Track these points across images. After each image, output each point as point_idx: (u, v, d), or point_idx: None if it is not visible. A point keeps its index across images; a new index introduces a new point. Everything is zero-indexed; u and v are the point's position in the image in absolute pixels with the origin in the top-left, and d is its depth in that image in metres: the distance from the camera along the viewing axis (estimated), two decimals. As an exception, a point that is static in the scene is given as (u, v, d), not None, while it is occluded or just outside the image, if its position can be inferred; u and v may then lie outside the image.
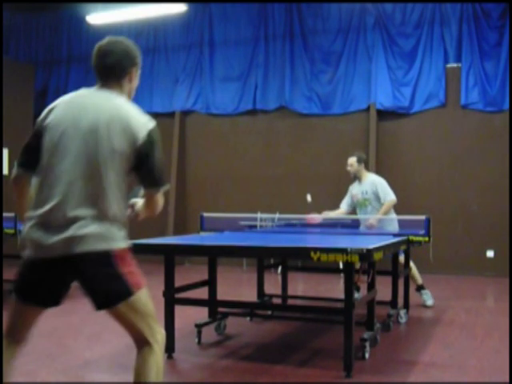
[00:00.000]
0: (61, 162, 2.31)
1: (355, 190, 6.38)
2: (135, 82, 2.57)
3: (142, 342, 2.46)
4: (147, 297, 2.46)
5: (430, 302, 6.20)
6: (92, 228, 2.29)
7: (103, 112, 2.33)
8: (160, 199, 2.48)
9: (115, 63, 2.44)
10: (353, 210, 6.46)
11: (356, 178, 6.39)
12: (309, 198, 6.44)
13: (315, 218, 6.20)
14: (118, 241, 2.39)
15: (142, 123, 2.41)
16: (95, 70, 2.46)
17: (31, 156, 2.41)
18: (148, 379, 2.39)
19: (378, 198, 6.18)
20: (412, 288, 5.89)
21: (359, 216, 6.32)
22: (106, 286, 2.36)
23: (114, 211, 2.35)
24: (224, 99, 9.69)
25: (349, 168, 6.39)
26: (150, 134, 2.39)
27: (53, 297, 2.54)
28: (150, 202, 2.50)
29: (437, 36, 8.68)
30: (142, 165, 2.36)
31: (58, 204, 2.29)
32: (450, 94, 8.67)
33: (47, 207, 2.32)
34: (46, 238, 2.30)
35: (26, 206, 2.54)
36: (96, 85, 2.47)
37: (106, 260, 2.33)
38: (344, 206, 6.52)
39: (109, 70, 2.44)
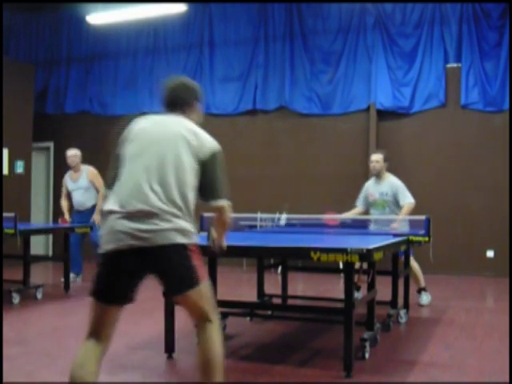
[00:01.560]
0: (145, 166, 2.71)
1: (372, 188, 6.25)
2: (198, 112, 3.03)
3: (205, 321, 2.83)
4: (209, 286, 2.85)
5: (425, 301, 6.21)
6: (174, 224, 2.66)
7: (181, 128, 2.81)
8: (228, 211, 2.88)
9: (182, 97, 2.95)
10: (367, 209, 6.36)
11: (376, 176, 6.26)
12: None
13: (334, 218, 6.09)
14: (192, 236, 2.76)
15: (210, 142, 2.84)
16: (165, 101, 2.97)
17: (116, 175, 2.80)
18: (215, 348, 2.81)
19: (396, 200, 6.09)
20: (412, 288, 5.88)
21: (373, 216, 6.20)
22: (181, 276, 2.72)
23: (190, 210, 2.74)
24: (224, 99, 9.69)
25: (374, 164, 6.21)
26: (214, 153, 2.82)
27: (129, 292, 2.79)
28: (220, 217, 2.90)
29: (437, 36, 8.68)
30: (206, 177, 2.79)
31: (145, 201, 2.65)
32: (450, 93, 8.67)
33: (135, 204, 2.66)
34: (131, 230, 2.63)
35: None
36: (166, 113, 2.96)
37: (183, 252, 2.69)
38: (361, 204, 6.39)
39: (178, 102, 2.93)
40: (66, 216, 7.66)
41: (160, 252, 2.65)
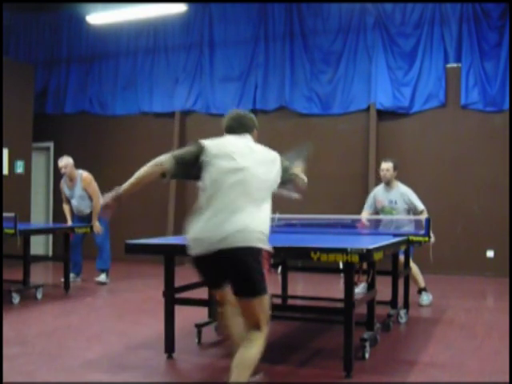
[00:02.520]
0: (232, 180, 3.07)
1: (381, 196, 6.31)
2: (255, 138, 3.41)
3: (255, 328, 3.08)
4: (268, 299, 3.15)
5: (425, 302, 6.22)
6: (252, 230, 3.02)
7: (257, 150, 3.26)
8: (303, 178, 3.52)
9: (246, 124, 3.36)
10: (376, 214, 6.39)
11: (386, 183, 6.31)
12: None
13: (365, 224, 6.05)
14: (266, 244, 3.13)
15: (275, 156, 3.32)
16: (230, 127, 3.34)
17: (184, 165, 3.15)
18: (255, 353, 3.03)
19: (407, 209, 6.18)
20: (412, 288, 5.88)
21: (383, 216, 6.25)
22: (253, 281, 3.03)
23: (267, 220, 3.16)
24: (224, 99, 9.69)
25: (385, 173, 6.27)
26: (281, 159, 3.33)
27: (219, 281, 3.21)
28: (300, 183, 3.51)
29: (437, 36, 8.68)
30: (285, 174, 3.34)
31: (229, 212, 3.01)
32: (450, 93, 8.67)
33: (220, 215, 3.03)
34: (215, 236, 2.99)
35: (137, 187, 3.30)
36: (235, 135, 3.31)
37: (257, 257, 3.03)
38: (368, 208, 6.43)
39: (244, 126, 3.34)
40: (69, 222, 7.62)
41: (235, 255, 3.02)
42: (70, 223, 7.59)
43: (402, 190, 6.25)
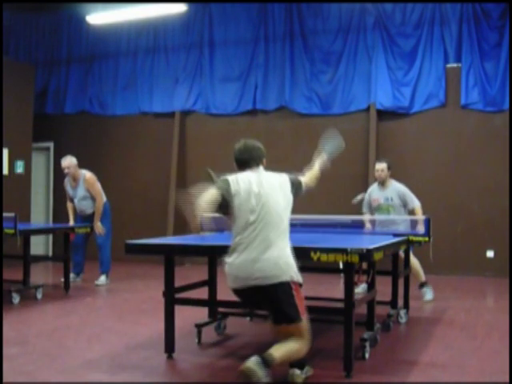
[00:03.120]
0: (255, 216, 3.36)
1: (376, 194, 6.53)
2: (265, 166, 3.68)
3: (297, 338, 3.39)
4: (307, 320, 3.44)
5: (429, 297, 6.36)
6: (280, 268, 3.33)
7: (271, 180, 3.53)
8: (314, 181, 4.12)
9: (255, 156, 3.62)
10: (373, 214, 6.60)
11: (379, 183, 6.56)
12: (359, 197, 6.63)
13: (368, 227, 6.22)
14: (296, 275, 3.40)
15: (285, 178, 3.62)
16: (243, 161, 3.60)
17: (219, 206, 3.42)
18: (300, 343, 3.36)
19: (403, 205, 6.40)
20: (412, 288, 5.88)
21: (379, 217, 6.43)
22: (285, 311, 3.34)
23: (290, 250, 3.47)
24: (224, 99, 9.68)
25: (380, 173, 6.50)
26: (290, 179, 3.63)
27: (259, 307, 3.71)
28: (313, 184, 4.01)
29: (437, 36, 8.68)
30: (297, 191, 3.70)
31: (259, 250, 3.32)
32: (449, 93, 8.67)
33: (251, 252, 3.34)
34: (247, 275, 3.36)
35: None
36: (245, 169, 3.58)
37: (287, 290, 3.34)
38: (367, 210, 6.71)
39: (252, 160, 3.59)
40: (71, 221, 7.59)
41: (269, 289, 3.36)
42: (72, 222, 7.58)
43: (396, 187, 6.48)
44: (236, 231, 3.42)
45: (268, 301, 3.35)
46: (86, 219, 7.50)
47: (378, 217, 6.47)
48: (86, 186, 7.40)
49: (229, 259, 3.43)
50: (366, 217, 6.47)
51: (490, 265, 8.41)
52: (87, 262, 7.91)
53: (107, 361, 4.09)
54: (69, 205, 7.65)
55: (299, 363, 3.55)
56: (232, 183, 3.45)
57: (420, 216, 6.19)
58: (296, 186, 3.64)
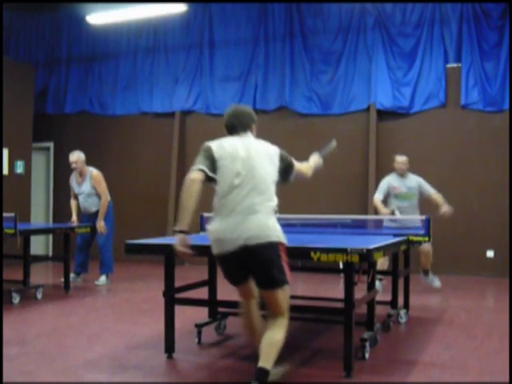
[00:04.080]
0: (240, 179, 3.28)
1: (397, 183, 7.10)
2: (254, 133, 3.61)
3: (279, 315, 3.31)
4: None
5: (437, 283, 7.14)
6: (269, 227, 3.25)
7: (259, 145, 3.48)
8: (309, 171, 4.10)
9: (244, 121, 3.54)
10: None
11: (400, 174, 7.16)
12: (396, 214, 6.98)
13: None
14: (282, 238, 3.31)
15: (275, 149, 3.54)
16: (231, 125, 3.52)
17: (208, 166, 3.31)
18: (279, 336, 3.27)
19: (419, 192, 7.15)
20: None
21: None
22: (274, 273, 3.24)
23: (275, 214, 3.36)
24: (224, 99, 9.68)
25: (401, 165, 7.14)
26: (280, 152, 3.55)
27: (246, 276, 3.40)
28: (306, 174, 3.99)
29: (437, 36, 8.68)
30: (287, 169, 3.57)
31: (245, 212, 3.23)
32: (450, 94, 8.67)
33: (237, 215, 3.24)
34: (236, 236, 3.22)
35: (193, 208, 3.23)
36: (233, 135, 3.52)
37: (276, 251, 3.24)
38: (381, 196, 7.10)
39: (240, 125, 3.52)
40: (74, 218, 7.57)
41: (254, 250, 3.24)
42: (74, 218, 7.55)
43: (415, 178, 7.21)
44: (219, 195, 3.30)
45: (256, 263, 3.23)
46: (90, 218, 7.47)
47: (376, 217, 6.84)
48: (93, 183, 7.39)
49: (212, 225, 3.33)
50: (379, 197, 7.03)
51: (490, 265, 8.41)
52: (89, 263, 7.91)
53: (107, 361, 4.08)
54: (72, 202, 7.61)
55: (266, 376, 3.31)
56: (215, 148, 3.37)
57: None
58: (286, 162, 3.55)
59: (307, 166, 4.06)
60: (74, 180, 7.56)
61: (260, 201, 3.26)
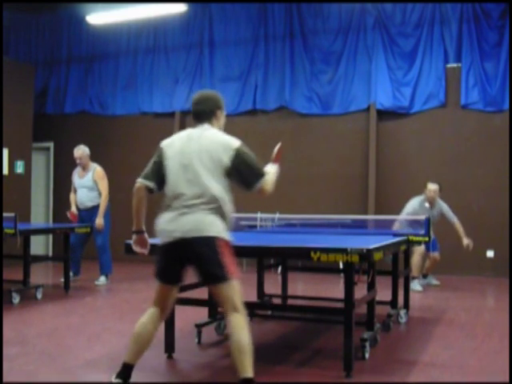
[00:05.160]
0: (182, 174, 3.25)
1: (422, 211, 6.99)
2: (222, 119, 3.52)
3: (233, 310, 3.19)
4: (239, 282, 3.23)
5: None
6: (206, 223, 3.17)
7: (207, 139, 3.29)
8: (268, 186, 3.32)
9: (205, 108, 3.41)
10: None
11: (430, 202, 7.25)
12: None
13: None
14: (223, 233, 3.21)
15: (230, 144, 3.28)
16: (194, 114, 3.43)
17: (152, 173, 3.36)
18: (243, 335, 3.15)
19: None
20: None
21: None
22: (212, 268, 3.17)
23: (222, 210, 3.23)
24: (224, 99, 9.66)
25: (432, 194, 7.26)
26: (237, 149, 3.26)
27: (177, 276, 3.36)
28: (264, 193, 3.33)
29: (437, 36, 8.68)
30: (238, 170, 3.24)
31: (186, 207, 3.22)
32: (450, 94, 8.67)
33: (179, 209, 3.25)
34: (176, 227, 3.22)
35: (142, 214, 3.46)
36: (195, 124, 3.41)
37: (213, 246, 3.15)
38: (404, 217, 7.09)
39: (202, 113, 3.41)
40: (73, 209, 7.58)
41: (191, 245, 3.19)
42: (74, 209, 7.55)
43: (441, 206, 7.34)
44: (166, 191, 3.35)
45: (193, 257, 3.21)
46: (86, 215, 7.47)
47: (379, 217, 6.92)
48: (95, 178, 7.44)
49: (162, 217, 3.37)
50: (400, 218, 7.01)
51: (490, 265, 8.42)
52: (87, 262, 7.91)
53: (107, 361, 4.08)
54: (72, 196, 7.64)
55: (126, 373, 3.30)
56: (165, 147, 3.37)
57: (457, 224, 7.12)
58: (240, 164, 3.22)
59: (271, 174, 3.46)
60: (76, 174, 7.62)
61: (197, 198, 3.19)
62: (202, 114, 3.41)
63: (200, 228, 3.16)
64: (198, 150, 3.25)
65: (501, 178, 8.23)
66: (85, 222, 7.42)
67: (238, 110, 9.62)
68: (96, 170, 7.49)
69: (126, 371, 3.31)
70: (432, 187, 7.24)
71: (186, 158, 3.26)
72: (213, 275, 3.18)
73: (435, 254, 7.47)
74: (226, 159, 3.22)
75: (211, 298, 4.76)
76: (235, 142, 3.30)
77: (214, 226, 3.18)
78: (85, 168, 7.51)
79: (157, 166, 3.36)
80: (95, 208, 7.42)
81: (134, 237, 3.52)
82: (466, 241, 7.27)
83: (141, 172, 3.47)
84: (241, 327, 3.15)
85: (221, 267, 3.15)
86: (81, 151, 7.45)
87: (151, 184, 3.37)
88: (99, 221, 7.32)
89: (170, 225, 3.25)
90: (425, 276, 7.60)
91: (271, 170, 3.49)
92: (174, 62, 10.08)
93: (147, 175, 3.38)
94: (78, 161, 7.45)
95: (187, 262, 3.27)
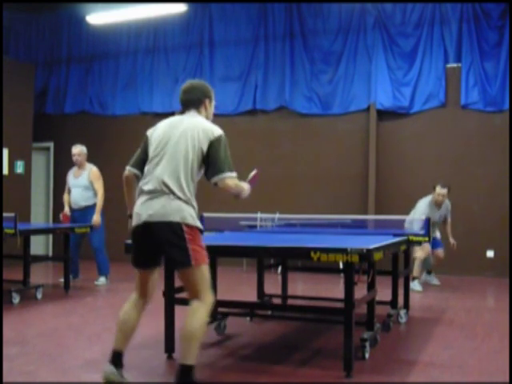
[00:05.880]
0: (156, 160, 3.31)
1: (431, 214, 7.00)
2: (210, 109, 3.57)
3: (194, 297, 3.27)
4: (207, 270, 3.30)
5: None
6: (172, 207, 3.20)
7: (188, 125, 3.35)
8: (231, 184, 3.33)
9: (193, 97, 3.47)
10: None
11: (437, 204, 7.34)
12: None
13: None
14: (190, 219, 3.23)
15: (212, 132, 3.33)
16: (182, 102, 3.49)
17: (138, 161, 3.47)
18: (197, 323, 3.20)
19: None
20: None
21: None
22: (176, 253, 3.22)
23: (188, 196, 3.26)
24: (224, 99, 9.67)
25: (441, 198, 7.32)
26: (215, 139, 3.31)
27: (149, 260, 3.42)
28: (228, 191, 3.37)
29: (437, 36, 8.68)
30: (209, 159, 3.26)
31: (154, 193, 3.25)
32: (450, 94, 8.67)
33: (145, 192, 3.29)
34: (144, 210, 3.26)
35: (134, 198, 3.44)
36: (182, 112, 3.49)
37: (177, 230, 3.18)
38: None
39: (189, 102, 3.47)
40: (66, 209, 7.59)
41: (155, 229, 3.24)
42: (67, 209, 7.56)
43: (447, 205, 7.49)
44: (144, 175, 3.40)
45: (157, 240, 3.24)
46: (79, 215, 7.48)
47: (380, 217, 7.08)
48: (92, 178, 7.47)
49: (137, 201, 3.39)
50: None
51: (490, 265, 8.42)
52: (87, 262, 7.90)
53: (107, 361, 4.08)
54: (66, 196, 7.66)
55: (118, 360, 3.40)
56: (150, 134, 3.49)
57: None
58: (213, 154, 3.25)
59: (239, 182, 3.43)
60: (71, 174, 7.65)
61: (170, 183, 3.22)
62: (189, 102, 3.47)
63: (165, 213, 3.19)
64: (179, 135, 3.31)
65: (501, 178, 8.23)
66: (78, 222, 7.43)
67: (237, 110, 9.62)
68: (92, 171, 7.52)
69: (116, 358, 3.39)
70: (441, 191, 7.27)
71: (165, 142, 3.33)
72: (175, 260, 3.23)
73: (439, 251, 7.54)
74: (205, 146, 3.27)
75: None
76: (218, 131, 3.36)
77: (181, 212, 3.20)
78: (80, 167, 7.55)
79: (142, 153, 3.47)
80: (89, 208, 7.43)
81: (130, 220, 3.57)
82: (452, 240, 7.52)
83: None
84: (193, 315, 3.21)
85: (184, 252, 3.18)
86: (79, 148, 7.53)
87: (137, 171, 3.46)
88: (96, 218, 7.34)
89: (140, 208, 3.29)
90: (429, 272, 7.70)
91: (244, 186, 3.52)
92: (174, 62, 10.08)
93: (133, 163, 3.49)
94: (74, 157, 7.49)
95: (155, 247, 3.30)
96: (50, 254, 10.97)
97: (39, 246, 10.74)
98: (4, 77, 9.09)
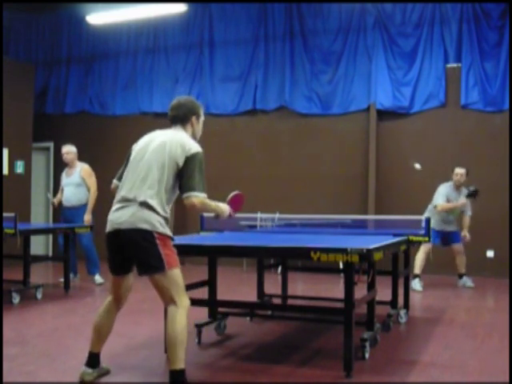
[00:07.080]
0: (133, 170, 3.41)
1: (453, 197, 7.34)
2: (197, 126, 3.62)
3: (170, 302, 3.31)
4: (179, 274, 3.34)
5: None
6: (141, 215, 3.27)
7: (168, 138, 3.41)
8: (197, 201, 3.32)
9: (180, 114, 3.55)
10: None
11: (456, 186, 7.43)
12: (417, 166, 7.32)
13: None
14: (159, 227, 3.28)
15: (190, 149, 3.34)
16: (170, 118, 3.58)
17: (122, 173, 3.53)
18: (176, 328, 3.24)
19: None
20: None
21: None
22: (146, 259, 3.30)
23: (159, 205, 3.31)
24: (224, 99, 9.68)
25: (459, 178, 7.40)
26: (191, 155, 3.32)
27: (120, 266, 3.48)
28: (190, 209, 3.41)
29: (437, 36, 8.68)
30: (183, 175, 3.30)
31: (126, 201, 3.34)
32: (450, 94, 8.67)
33: (121, 203, 3.37)
34: (115, 218, 3.34)
35: None
36: (171, 127, 3.57)
37: (146, 237, 3.25)
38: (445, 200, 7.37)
39: (176, 118, 3.56)
40: (55, 200, 7.70)
41: (127, 236, 3.31)
42: (57, 200, 7.68)
43: (463, 190, 7.45)
44: (121, 185, 3.49)
45: (127, 247, 3.32)
46: (69, 215, 7.50)
47: (376, 217, 7.00)
48: (83, 175, 7.52)
49: (112, 208, 3.48)
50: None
51: (490, 265, 8.41)
52: (84, 262, 7.90)
53: (107, 361, 4.08)
54: (58, 195, 7.75)
55: (94, 361, 3.56)
56: (134, 147, 3.59)
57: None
58: (186, 168, 3.27)
59: (209, 202, 3.42)
60: (64, 174, 7.75)
61: (142, 192, 3.30)
62: (176, 118, 3.55)
63: (134, 221, 3.26)
64: (157, 146, 3.38)
65: (501, 177, 8.23)
66: (69, 221, 7.46)
67: (237, 110, 9.62)
68: (83, 168, 7.59)
69: (92, 359, 3.55)
70: (459, 171, 7.35)
71: (143, 153, 3.42)
72: (150, 265, 3.27)
73: (456, 246, 7.53)
74: (181, 161, 3.30)
75: (211, 298, 4.77)
76: (195, 148, 3.36)
77: (150, 221, 3.26)
78: (72, 166, 7.61)
79: (125, 166, 3.56)
80: (80, 207, 7.46)
81: None
82: (464, 233, 7.55)
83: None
84: (173, 320, 3.24)
85: (157, 257, 3.24)
86: (67, 148, 7.59)
87: (118, 183, 3.56)
88: (87, 217, 7.37)
89: (112, 215, 3.38)
90: (460, 276, 7.61)
91: (222, 206, 3.59)
92: (174, 62, 10.08)
93: (119, 176, 3.59)
94: (64, 156, 7.56)
95: (126, 254, 3.37)
96: (50, 254, 10.97)
97: (39, 246, 10.74)
98: (4, 77, 9.09)
